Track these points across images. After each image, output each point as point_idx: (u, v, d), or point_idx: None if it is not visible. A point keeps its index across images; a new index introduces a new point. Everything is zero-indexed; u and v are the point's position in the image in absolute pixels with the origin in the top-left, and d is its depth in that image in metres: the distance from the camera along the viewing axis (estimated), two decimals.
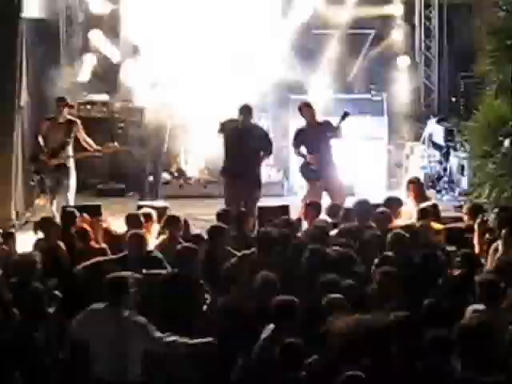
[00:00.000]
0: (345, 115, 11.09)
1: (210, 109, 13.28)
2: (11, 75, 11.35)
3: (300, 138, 11.21)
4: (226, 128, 10.88)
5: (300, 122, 11.45)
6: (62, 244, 8.24)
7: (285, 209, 10.27)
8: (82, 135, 11.62)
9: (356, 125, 13.19)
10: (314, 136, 11.00)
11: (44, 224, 8.82)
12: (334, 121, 11.06)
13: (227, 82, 13.91)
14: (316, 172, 10.89)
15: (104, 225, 9.15)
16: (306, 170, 11.13)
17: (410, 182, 10.48)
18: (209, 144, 12.88)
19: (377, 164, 13.78)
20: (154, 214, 9.04)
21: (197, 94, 13.78)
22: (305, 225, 9.20)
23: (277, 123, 14.19)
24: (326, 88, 14.48)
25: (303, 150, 11.10)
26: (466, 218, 9.38)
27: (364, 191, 12.54)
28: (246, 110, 10.85)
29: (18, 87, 11.63)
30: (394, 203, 9.66)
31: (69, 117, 11.70)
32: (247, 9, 14.08)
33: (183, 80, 13.81)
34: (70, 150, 11.57)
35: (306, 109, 11.24)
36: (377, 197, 11.07)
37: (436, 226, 8.84)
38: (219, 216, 8.95)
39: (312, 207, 9.35)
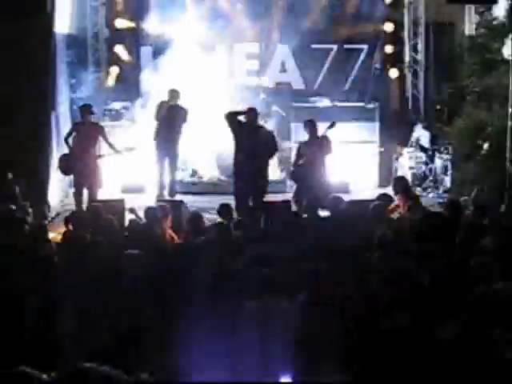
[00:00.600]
0: (332, 125, 11.26)
1: (221, 114, 13.42)
2: (46, 84, 11.55)
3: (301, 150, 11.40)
4: (237, 128, 10.99)
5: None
6: (88, 236, 8.33)
7: (287, 203, 10.55)
8: (106, 138, 11.79)
9: (351, 130, 13.55)
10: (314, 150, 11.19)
11: (73, 218, 9.14)
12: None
13: (237, 90, 14.18)
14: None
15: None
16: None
17: (397, 180, 10.78)
18: (219, 146, 13.17)
19: (369, 165, 13.91)
20: (169, 207, 9.33)
21: (209, 99, 13.83)
22: None
23: (281, 127, 14.21)
24: (325, 96, 14.62)
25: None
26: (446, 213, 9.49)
27: (358, 189, 12.87)
28: (252, 112, 11.02)
29: (51, 94, 11.87)
30: (384, 199, 10.08)
31: (93, 121, 11.93)
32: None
33: (196, 88, 13.85)
34: (95, 151, 11.81)
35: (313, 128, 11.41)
36: (370, 194, 11.47)
37: None
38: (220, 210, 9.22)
39: None
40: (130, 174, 13.79)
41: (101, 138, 11.85)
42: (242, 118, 11.08)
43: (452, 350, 5.11)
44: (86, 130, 11.73)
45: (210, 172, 14.37)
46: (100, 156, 12.09)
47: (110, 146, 11.87)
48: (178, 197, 12.26)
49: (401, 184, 10.43)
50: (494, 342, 5.05)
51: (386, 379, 5.12)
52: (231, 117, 11.07)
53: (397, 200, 10.03)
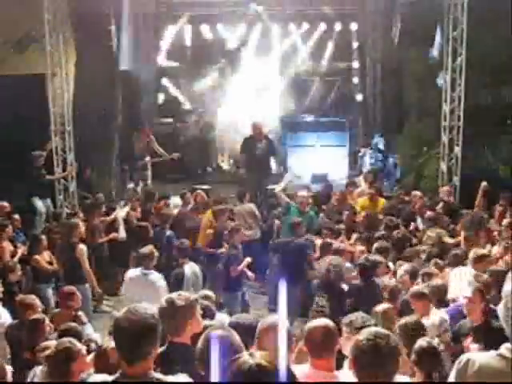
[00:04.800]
0: None
1: (238, 128, 13.27)
2: (113, 106, 11.60)
3: None
4: (246, 144, 10.67)
5: None
6: None
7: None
8: (156, 146, 11.67)
9: (327, 137, 13.37)
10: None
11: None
12: None
13: (249, 112, 13.56)
14: None
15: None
16: None
17: (368, 172, 10.72)
18: (235, 149, 12.73)
19: (341, 162, 13.39)
20: (202, 192, 9.54)
21: (230, 117, 13.66)
22: None
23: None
24: (310, 113, 14.44)
25: None
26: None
27: (333, 179, 12.48)
28: (256, 127, 10.57)
29: (115, 114, 11.84)
30: (351, 186, 10.07)
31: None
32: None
33: (220, 109, 13.73)
34: (148, 155, 11.66)
35: None
36: (341, 182, 11.54)
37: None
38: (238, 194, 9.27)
39: None
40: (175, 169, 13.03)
41: (152, 146, 11.63)
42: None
43: None
44: (141, 142, 11.67)
45: (228, 167, 14.24)
46: (151, 159, 11.81)
47: (159, 151, 11.69)
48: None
49: (370, 176, 10.48)
50: None
51: None
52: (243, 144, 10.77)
53: (363, 187, 9.98)
